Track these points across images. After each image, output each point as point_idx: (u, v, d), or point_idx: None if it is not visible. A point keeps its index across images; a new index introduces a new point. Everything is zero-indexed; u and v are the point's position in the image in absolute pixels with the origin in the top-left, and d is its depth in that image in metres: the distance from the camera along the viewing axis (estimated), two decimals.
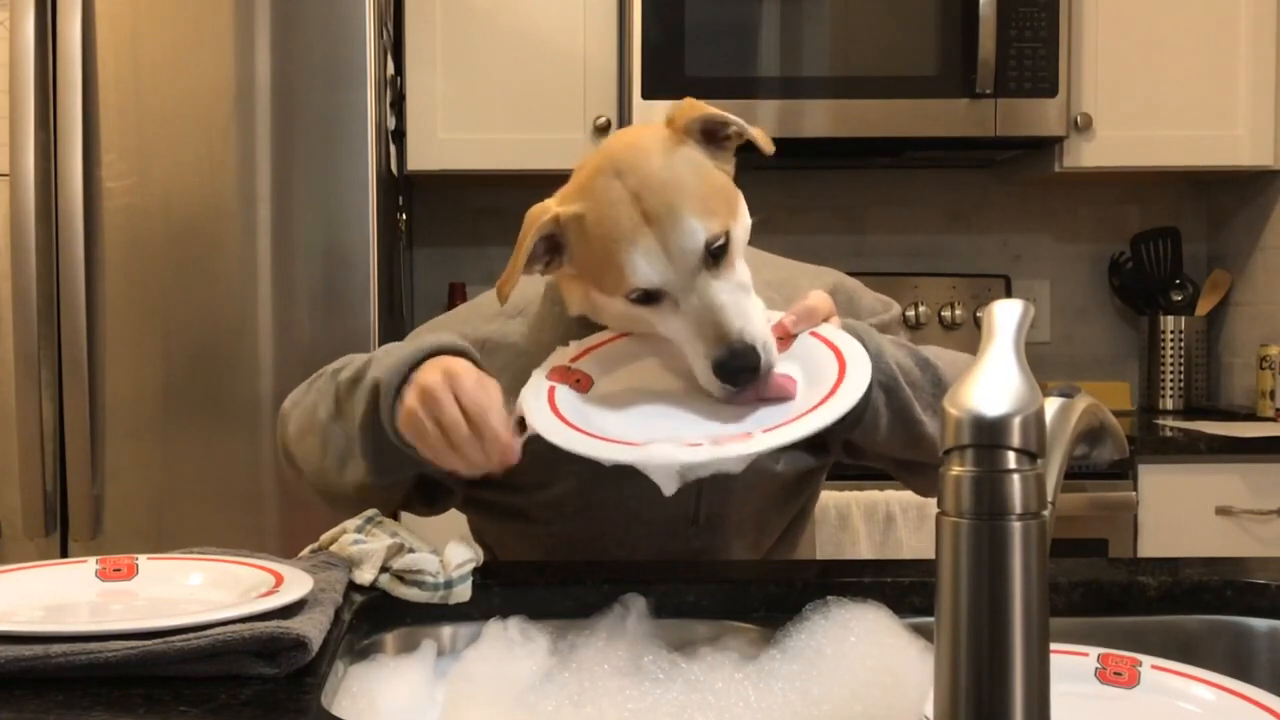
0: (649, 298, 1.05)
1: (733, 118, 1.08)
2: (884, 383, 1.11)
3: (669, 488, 0.98)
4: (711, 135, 1.09)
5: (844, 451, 1.27)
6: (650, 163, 1.05)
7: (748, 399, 1.05)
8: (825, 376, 1.05)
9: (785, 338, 1.09)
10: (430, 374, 1.04)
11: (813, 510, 1.40)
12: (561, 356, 1.11)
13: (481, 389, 1.03)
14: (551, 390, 1.07)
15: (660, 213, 1.03)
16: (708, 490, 1.21)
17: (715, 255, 1.04)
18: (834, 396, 1.03)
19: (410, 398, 1.04)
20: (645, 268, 1.03)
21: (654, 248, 1.03)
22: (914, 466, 1.23)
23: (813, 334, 1.10)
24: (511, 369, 1.15)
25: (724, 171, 1.09)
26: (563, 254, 1.10)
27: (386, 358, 1.10)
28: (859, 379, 1.03)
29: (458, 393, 1.02)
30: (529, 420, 1.03)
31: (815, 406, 1.02)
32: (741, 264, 1.07)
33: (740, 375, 1.02)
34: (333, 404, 1.14)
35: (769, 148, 1.10)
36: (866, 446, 1.18)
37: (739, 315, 1.04)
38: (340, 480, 1.15)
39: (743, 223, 1.08)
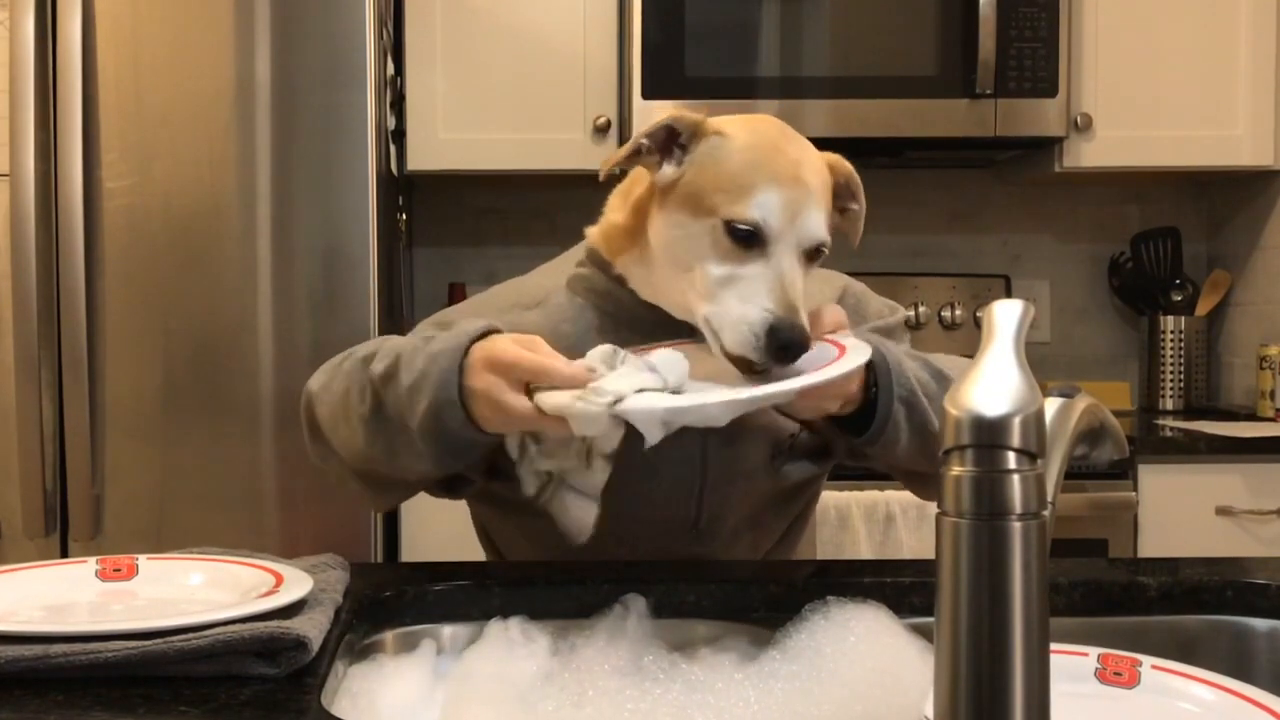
0: (749, 238, 1.05)
1: (862, 198, 1.17)
2: (904, 397, 1.11)
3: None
4: (835, 194, 1.15)
5: (848, 455, 1.27)
6: (811, 154, 1.11)
7: (767, 378, 1.03)
8: (826, 356, 1.06)
9: None
10: (483, 381, 1.03)
11: (812, 513, 1.40)
12: None
13: (534, 366, 1.02)
14: None
15: (812, 188, 1.07)
16: (709, 493, 1.21)
17: (811, 255, 1.08)
18: (830, 367, 1.03)
19: (482, 409, 1.04)
20: (777, 214, 1.04)
21: (792, 204, 1.05)
22: (924, 477, 1.24)
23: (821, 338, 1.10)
24: None
25: None
26: (673, 159, 1.10)
27: (419, 359, 1.08)
28: (857, 357, 1.04)
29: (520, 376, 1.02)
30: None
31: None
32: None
33: (787, 349, 1.02)
34: (371, 399, 1.12)
35: (855, 243, 1.19)
36: (885, 461, 1.18)
37: (807, 306, 1.06)
38: (396, 470, 1.14)
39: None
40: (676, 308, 1.13)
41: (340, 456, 1.20)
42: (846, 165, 1.15)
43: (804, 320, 1.03)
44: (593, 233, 1.22)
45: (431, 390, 1.05)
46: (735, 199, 1.05)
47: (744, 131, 1.09)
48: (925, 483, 1.25)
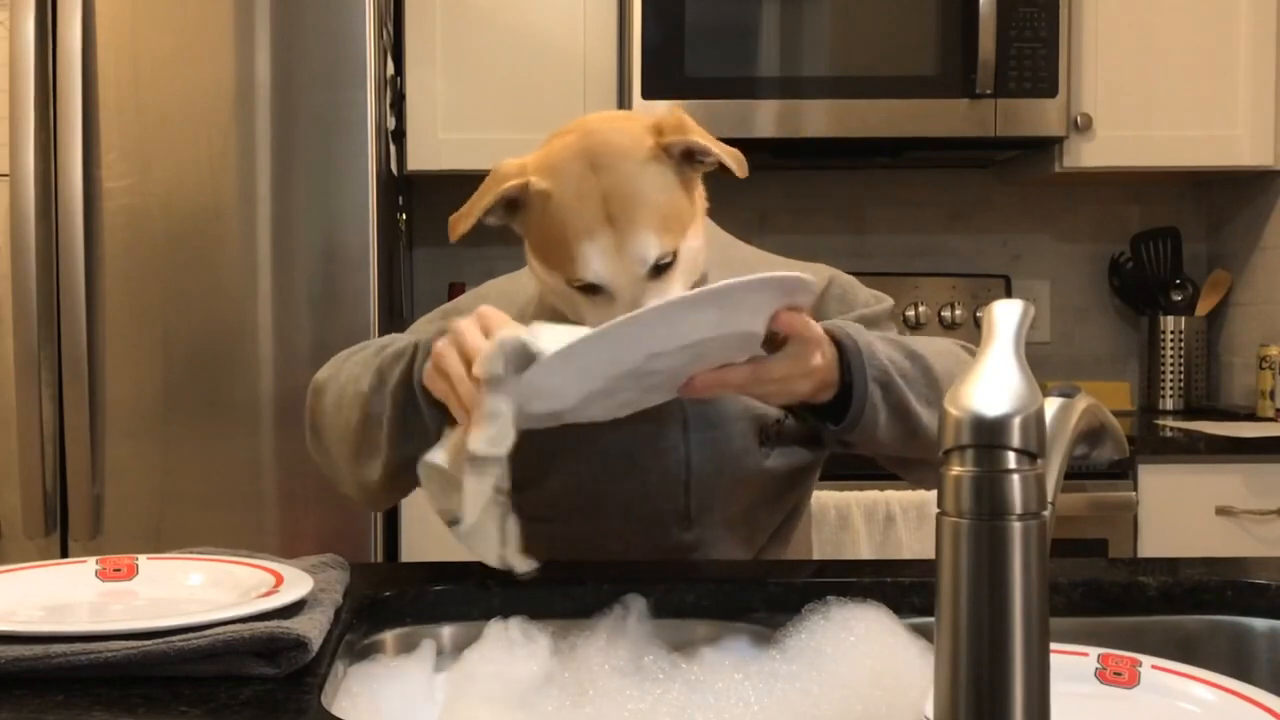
0: (590, 288, 1.09)
1: (714, 149, 1.11)
2: (877, 378, 1.11)
3: (497, 367, 0.97)
4: (689, 155, 1.13)
5: (837, 444, 1.27)
6: (625, 167, 1.09)
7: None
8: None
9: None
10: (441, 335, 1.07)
11: (806, 509, 1.40)
12: None
13: (478, 339, 1.03)
14: None
15: (623, 220, 1.07)
16: (696, 482, 1.22)
17: (659, 269, 1.09)
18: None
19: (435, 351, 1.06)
20: (597, 264, 1.08)
21: (610, 248, 1.07)
22: (909, 462, 1.24)
23: None
24: None
25: (687, 190, 1.13)
26: (519, 214, 1.13)
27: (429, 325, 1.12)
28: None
29: (460, 347, 1.03)
30: None
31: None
32: (682, 279, 1.11)
33: None
34: (374, 378, 1.15)
35: (741, 172, 1.13)
36: (865, 447, 1.18)
37: None
38: (368, 467, 1.16)
39: (692, 243, 1.12)
40: None
41: (330, 453, 1.21)
42: (677, 134, 1.10)
43: None
44: None
45: (415, 351, 1.10)
46: (566, 262, 1.09)
47: (557, 181, 1.09)
48: (915, 468, 1.25)
